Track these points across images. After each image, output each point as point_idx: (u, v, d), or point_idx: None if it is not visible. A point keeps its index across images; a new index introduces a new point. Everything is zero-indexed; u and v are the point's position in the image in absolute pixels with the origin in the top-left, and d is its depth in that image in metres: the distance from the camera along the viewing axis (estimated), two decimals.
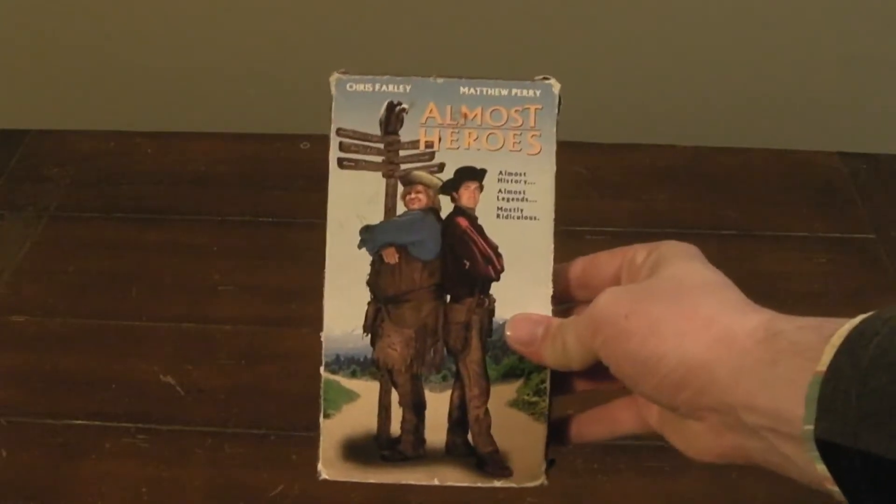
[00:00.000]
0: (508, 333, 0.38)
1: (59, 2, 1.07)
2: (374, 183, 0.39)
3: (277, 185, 1.07)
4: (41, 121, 1.16)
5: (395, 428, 0.39)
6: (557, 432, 0.40)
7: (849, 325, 0.27)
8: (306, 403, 0.93)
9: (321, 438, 0.39)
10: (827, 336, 0.27)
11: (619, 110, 1.11)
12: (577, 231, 0.99)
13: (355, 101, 0.39)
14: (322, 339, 0.38)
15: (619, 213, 1.03)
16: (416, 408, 0.39)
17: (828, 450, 0.26)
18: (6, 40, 1.11)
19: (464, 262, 0.39)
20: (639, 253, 0.37)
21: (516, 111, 0.39)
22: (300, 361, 0.87)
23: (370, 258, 0.38)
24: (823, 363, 0.27)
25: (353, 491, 0.76)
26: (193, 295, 0.94)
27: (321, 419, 0.39)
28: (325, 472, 0.40)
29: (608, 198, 1.04)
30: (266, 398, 0.84)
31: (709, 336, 0.30)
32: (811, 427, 0.26)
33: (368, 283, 0.38)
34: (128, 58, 1.12)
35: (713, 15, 1.05)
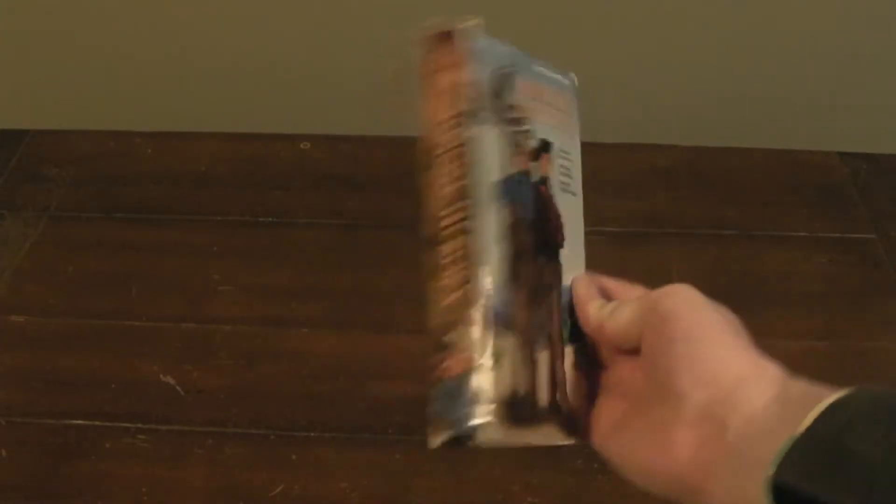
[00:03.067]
0: (577, 294, 0.40)
1: (58, 2, 1.07)
2: (495, 140, 0.39)
3: (277, 185, 1.07)
4: (41, 121, 1.16)
5: (521, 388, 0.38)
6: None
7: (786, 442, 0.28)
8: (306, 403, 0.93)
9: (492, 392, 0.36)
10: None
11: (619, 110, 1.11)
12: None
13: (479, 59, 0.39)
14: (486, 291, 0.37)
15: (620, 213, 1.03)
16: (533, 367, 0.39)
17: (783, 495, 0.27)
18: (6, 40, 1.11)
19: (547, 228, 0.40)
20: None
21: (562, 95, 0.42)
22: (300, 361, 0.87)
23: (500, 214, 0.38)
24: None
25: (353, 491, 0.76)
26: (193, 295, 0.94)
27: (491, 373, 0.36)
28: (490, 430, 0.36)
29: (608, 198, 1.04)
30: (266, 398, 0.84)
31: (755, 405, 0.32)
32: (770, 474, 0.28)
33: (496, 240, 0.38)
34: (128, 58, 1.12)
35: (713, 15, 1.05)
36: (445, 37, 0.39)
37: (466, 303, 0.37)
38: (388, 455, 0.79)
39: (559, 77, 0.43)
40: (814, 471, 0.27)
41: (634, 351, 0.37)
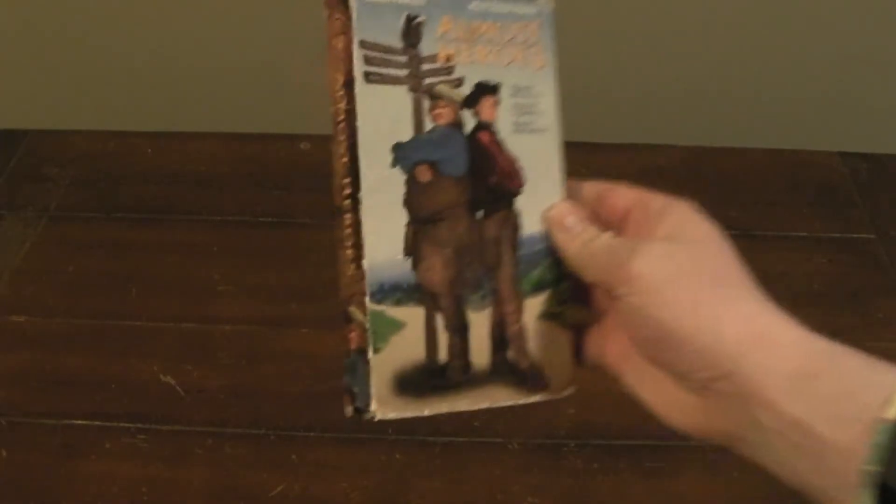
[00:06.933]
0: (552, 212, 0.38)
1: (58, 2, 1.07)
2: (401, 98, 0.37)
3: (277, 185, 1.07)
4: (41, 121, 1.16)
5: (443, 354, 0.38)
6: None
7: None
8: (306, 403, 0.93)
9: (372, 376, 0.37)
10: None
11: (619, 110, 1.11)
12: None
13: (373, 13, 0.36)
14: (365, 267, 0.36)
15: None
16: (460, 330, 0.38)
17: (886, 495, 0.26)
18: (6, 40, 1.11)
19: (490, 178, 0.38)
20: (654, 202, 0.38)
21: (519, 27, 0.40)
22: (300, 361, 0.87)
23: (404, 177, 0.37)
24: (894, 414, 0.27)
25: (353, 490, 0.76)
26: (193, 295, 0.94)
27: (370, 355, 0.37)
28: (380, 410, 0.37)
29: None
30: (266, 398, 0.84)
31: (748, 330, 0.31)
32: (873, 469, 0.27)
33: (405, 204, 0.37)
34: (128, 58, 1.12)
35: (713, 14, 1.05)
36: None
37: (360, 277, 0.37)
38: (388, 455, 0.79)
39: (518, 8, 0.40)
40: None
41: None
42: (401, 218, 0.37)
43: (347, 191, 0.36)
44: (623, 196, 0.39)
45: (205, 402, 0.84)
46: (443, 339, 0.37)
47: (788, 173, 1.10)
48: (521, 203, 0.39)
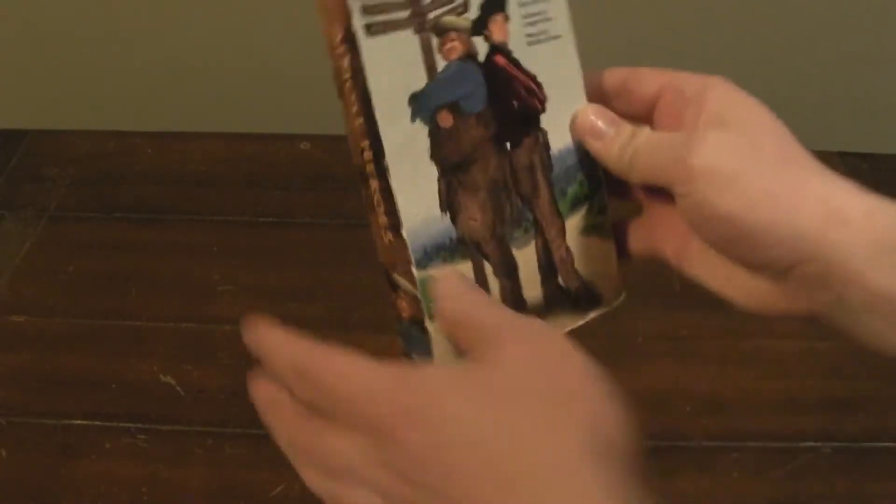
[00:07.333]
0: (578, 120, 0.36)
1: (58, 2, 1.07)
2: (408, 43, 0.33)
3: (277, 185, 1.07)
4: (41, 121, 1.16)
5: (496, 299, 0.36)
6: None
7: None
8: None
9: (433, 344, 0.35)
10: None
11: None
12: None
13: None
14: (405, 235, 0.34)
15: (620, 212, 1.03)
16: (509, 272, 0.36)
17: None
18: (6, 40, 1.11)
19: (512, 103, 0.36)
20: (687, 84, 0.36)
21: None
22: None
23: (426, 128, 0.34)
24: None
25: None
26: (193, 295, 0.94)
27: (427, 323, 0.35)
28: None
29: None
30: None
31: (824, 211, 0.30)
32: None
33: (432, 157, 0.34)
34: (128, 58, 1.12)
35: (712, 14, 1.05)
36: None
37: (400, 245, 0.35)
38: None
39: None
40: None
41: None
42: (431, 173, 0.34)
43: (368, 154, 0.34)
44: (650, 81, 0.37)
45: (205, 402, 0.84)
46: (494, 285, 0.36)
47: None
48: (547, 120, 0.37)
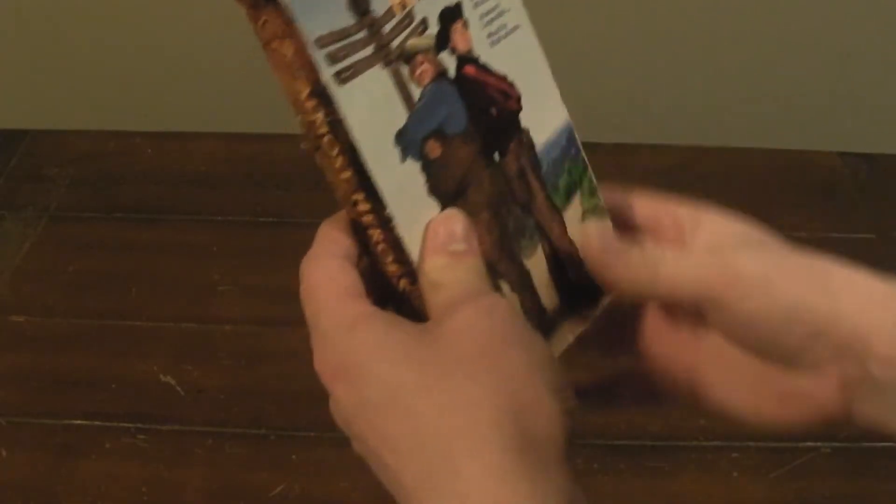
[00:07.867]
0: (584, 241, 0.36)
1: (58, 2, 1.07)
2: (380, 80, 0.32)
3: (277, 185, 1.07)
4: (41, 121, 1.16)
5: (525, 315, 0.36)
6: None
7: None
8: (306, 403, 0.93)
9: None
10: None
11: (618, 110, 1.11)
12: None
13: (310, 1, 0.31)
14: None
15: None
16: (526, 285, 0.36)
17: None
18: (6, 40, 1.11)
19: (491, 111, 0.35)
20: (681, 210, 0.38)
21: None
22: (300, 361, 0.86)
23: (419, 164, 0.33)
24: None
25: (353, 491, 0.76)
26: (193, 295, 0.94)
27: None
28: None
29: None
30: (266, 398, 0.84)
31: (858, 295, 0.32)
32: None
33: (431, 192, 0.33)
34: (128, 58, 1.12)
35: (712, 14, 1.05)
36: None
37: (416, 293, 0.34)
38: None
39: None
40: None
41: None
42: (433, 209, 0.33)
43: (364, 206, 0.33)
44: (643, 207, 0.39)
45: (205, 402, 0.84)
46: (514, 301, 0.36)
47: (788, 173, 1.10)
48: (525, 117, 0.36)
